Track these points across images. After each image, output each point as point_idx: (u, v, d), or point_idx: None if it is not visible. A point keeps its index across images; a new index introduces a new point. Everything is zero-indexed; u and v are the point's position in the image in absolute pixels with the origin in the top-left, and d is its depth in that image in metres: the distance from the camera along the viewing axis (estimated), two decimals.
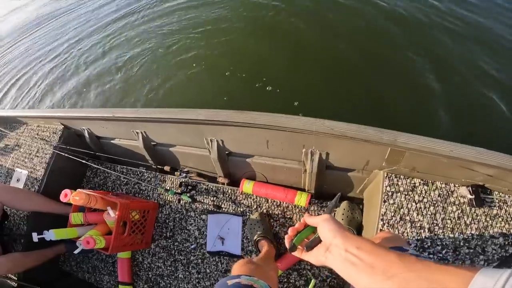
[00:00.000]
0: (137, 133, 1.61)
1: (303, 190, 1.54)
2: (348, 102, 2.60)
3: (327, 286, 1.38)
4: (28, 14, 6.96)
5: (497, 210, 1.09)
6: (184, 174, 1.67)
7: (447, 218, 1.10)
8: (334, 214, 1.47)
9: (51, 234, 1.40)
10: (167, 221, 1.67)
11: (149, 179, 1.76)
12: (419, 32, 2.95)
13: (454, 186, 1.15)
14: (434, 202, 1.14)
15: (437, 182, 1.16)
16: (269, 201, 1.55)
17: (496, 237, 1.05)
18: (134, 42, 4.07)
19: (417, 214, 1.13)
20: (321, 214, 0.64)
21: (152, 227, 1.69)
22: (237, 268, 0.93)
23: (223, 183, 1.65)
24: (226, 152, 1.55)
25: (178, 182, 1.65)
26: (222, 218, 1.58)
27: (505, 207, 1.09)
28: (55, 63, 4.53)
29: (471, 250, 1.05)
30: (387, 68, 2.73)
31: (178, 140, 1.62)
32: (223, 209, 1.59)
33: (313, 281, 0.83)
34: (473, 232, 1.07)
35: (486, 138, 2.22)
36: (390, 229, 1.14)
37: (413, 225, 1.12)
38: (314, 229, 0.66)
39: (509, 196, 1.10)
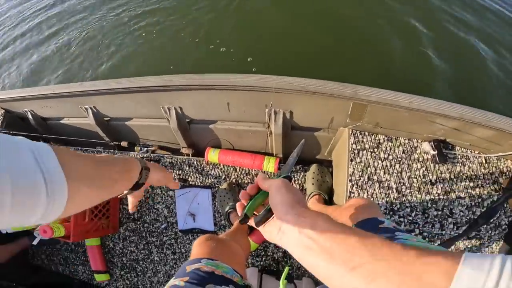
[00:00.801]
0: (86, 109, 1.46)
1: (271, 155, 1.46)
2: (307, 59, 2.53)
3: None
4: None
5: (460, 167, 1.07)
6: (145, 149, 1.55)
7: (413, 176, 1.08)
8: (293, 175, 1.40)
9: None
10: None
11: None
12: None
13: (417, 141, 1.12)
14: (399, 159, 1.11)
15: (400, 138, 1.13)
16: (238, 169, 1.46)
17: (462, 197, 1.04)
18: (74, 15, 3.77)
19: (384, 173, 1.10)
20: (275, 177, 0.53)
21: (117, 210, 1.58)
22: (197, 248, 0.80)
23: (187, 154, 1.55)
24: (187, 120, 1.43)
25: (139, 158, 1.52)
26: (190, 192, 1.48)
27: (468, 163, 1.07)
28: None
29: (439, 212, 1.04)
30: (341, 22, 2.68)
31: (133, 112, 1.48)
32: (190, 182, 1.49)
33: (286, 268, 0.74)
34: (439, 191, 1.05)
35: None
36: (359, 191, 1.09)
37: (381, 185, 1.09)
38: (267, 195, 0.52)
39: (471, 152, 1.09)
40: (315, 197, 1.30)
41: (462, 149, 1.09)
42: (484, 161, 1.07)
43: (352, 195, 1.12)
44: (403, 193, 1.08)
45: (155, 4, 3.40)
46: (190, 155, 1.54)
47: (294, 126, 1.31)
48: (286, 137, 1.34)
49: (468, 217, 1.02)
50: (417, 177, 1.08)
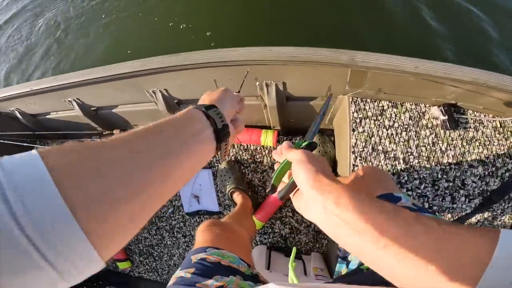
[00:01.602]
0: (70, 101, 1.38)
1: (268, 128, 1.37)
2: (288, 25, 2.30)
3: (313, 231, 1.32)
4: None
5: (473, 133, 0.96)
6: None
7: (421, 144, 0.97)
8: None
9: None
10: None
11: None
12: None
13: (425, 106, 1.00)
14: (406, 126, 0.99)
15: (406, 103, 1.01)
16: (236, 146, 1.39)
17: (474, 166, 0.94)
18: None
19: (390, 142, 0.99)
20: (296, 148, 0.50)
21: None
22: (201, 235, 0.77)
23: None
24: (175, 101, 1.34)
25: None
26: None
27: (482, 129, 0.95)
28: None
29: (450, 184, 0.95)
30: None
31: (118, 99, 1.39)
32: None
33: (294, 250, 0.70)
34: (450, 160, 0.94)
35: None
36: (363, 163, 1.01)
37: (387, 156, 0.99)
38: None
39: (485, 115, 0.96)
40: None
41: (475, 113, 0.97)
42: (499, 125, 0.95)
43: (355, 168, 1.04)
44: (411, 163, 0.98)
45: None
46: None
47: (289, 97, 1.20)
48: (282, 109, 1.24)
49: (481, 189, 0.93)
50: (426, 145, 0.97)
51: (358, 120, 1.04)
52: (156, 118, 0.42)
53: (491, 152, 0.93)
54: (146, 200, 0.30)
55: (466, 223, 0.93)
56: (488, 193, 0.89)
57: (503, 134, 0.94)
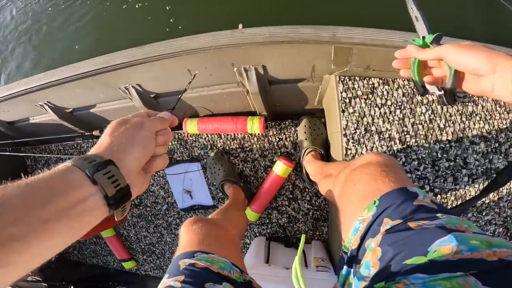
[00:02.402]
0: (42, 105, 1.30)
1: (255, 114, 1.27)
2: None
3: (311, 219, 1.26)
4: None
5: (473, 107, 0.86)
6: None
7: (417, 122, 0.88)
8: (283, 132, 1.23)
9: None
10: None
11: (87, 148, 1.53)
12: None
13: None
14: (400, 104, 0.90)
15: (398, 79, 0.91)
16: (223, 136, 1.31)
17: (476, 143, 0.85)
18: None
19: (383, 122, 0.90)
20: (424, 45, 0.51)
21: None
22: (186, 235, 0.69)
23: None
24: (152, 96, 1.25)
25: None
26: (179, 168, 1.38)
27: (481, 102, 0.86)
28: None
29: (452, 163, 0.86)
30: None
31: (92, 99, 1.31)
32: (177, 158, 1.38)
33: (303, 236, 0.63)
34: (449, 137, 0.85)
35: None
36: (356, 146, 0.92)
37: (381, 136, 0.90)
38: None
39: None
40: (311, 154, 1.15)
41: None
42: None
43: (348, 151, 0.95)
44: (408, 143, 0.90)
45: None
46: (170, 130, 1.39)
47: (272, 81, 1.10)
48: (266, 94, 1.14)
49: (484, 167, 0.84)
50: (423, 122, 0.88)
51: (347, 100, 0.94)
52: None
53: (493, 127, 0.84)
54: None
55: (471, 207, 0.86)
56: (493, 174, 0.81)
57: (504, 108, 0.85)
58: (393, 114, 0.91)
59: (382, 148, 0.92)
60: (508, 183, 0.79)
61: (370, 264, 0.47)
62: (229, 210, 1.05)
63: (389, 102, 0.91)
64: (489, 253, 0.36)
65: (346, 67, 0.89)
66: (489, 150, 0.84)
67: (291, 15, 2.00)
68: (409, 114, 0.89)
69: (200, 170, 1.35)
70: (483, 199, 0.85)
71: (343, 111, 0.95)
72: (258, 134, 1.25)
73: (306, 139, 1.16)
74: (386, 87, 0.90)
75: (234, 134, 1.29)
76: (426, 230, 0.44)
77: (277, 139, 1.24)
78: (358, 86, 0.93)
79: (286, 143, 1.24)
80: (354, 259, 0.55)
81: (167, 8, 2.23)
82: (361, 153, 0.94)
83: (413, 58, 0.52)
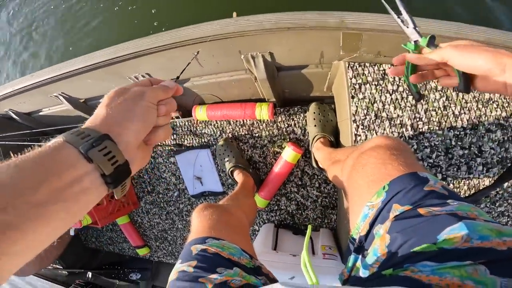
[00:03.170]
0: (57, 96, 1.34)
1: (263, 100, 1.26)
2: None
3: (320, 206, 1.25)
4: None
5: (490, 94, 0.82)
6: None
7: (430, 109, 0.84)
8: (292, 118, 1.21)
9: None
10: (140, 175, 1.55)
11: None
12: None
13: None
14: None
15: None
16: (232, 122, 1.31)
17: (492, 131, 0.81)
18: None
19: (395, 108, 0.87)
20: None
21: (131, 186, 1.59)
22: (197, 221, 0.71)
23: (176, 117, 1.41)
24: None
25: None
26: (189, 155, 1.40)
27: None
28: None
29: (466, 151, 0.83)
30: None
31: (104, 89, 1.32)
32: (187, 144, 1.40)
33: (309, 227, 0.64)
34: (464, 125, 0.81)
35: None
36: (366, 132, 0.90)
37: (392, 123, 0.88)
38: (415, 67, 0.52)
39: None
40: (320, 140, 1.13)
41: None
42: None
43: (358, 138, 0.94)
44: (420, 130, 0.87)
45: None
46: (179, 117, 1.41)
47: (280, 67, 1.08)
48: (274, 81, 1.13)
49: (500, 156, 0.81)
50: (436, 109, 0.85)
51: (357, 86, 0.92)
52: None
53: (511, 114, 0.79)
54: None
55: (485, 197, 0.83)
56: (509, 164, 0.78)
57: None
58: (405, 100, 0.88)
59: (393, 134, 0.90)
60: None
61: (378, 251, 0.47)
62: (239, 197, 1.06)
63: (401, 89, 0.88)
64: (499, 242, 0.36)
65: (356, 53, 0.87)
66: (506, 138, 0.81)
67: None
68: (422, 100, 0.86)
69: (210, 156, 1.37)
70: (497, 190, 0.82)
71: (352, 97, 0.93)
72: (267, 120, 1.25)
73: (315, 125, 1.14)
74: None
75: (243, 121, 1.29)
76: (436, 217, 0.43)
77: (286, 125, 1.23)
78: (369, 72, 0.90)
79: (295, 129, 1.23)
80: (362, 246, 0.55)
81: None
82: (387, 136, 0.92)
83: (406, 63, 0.52)
